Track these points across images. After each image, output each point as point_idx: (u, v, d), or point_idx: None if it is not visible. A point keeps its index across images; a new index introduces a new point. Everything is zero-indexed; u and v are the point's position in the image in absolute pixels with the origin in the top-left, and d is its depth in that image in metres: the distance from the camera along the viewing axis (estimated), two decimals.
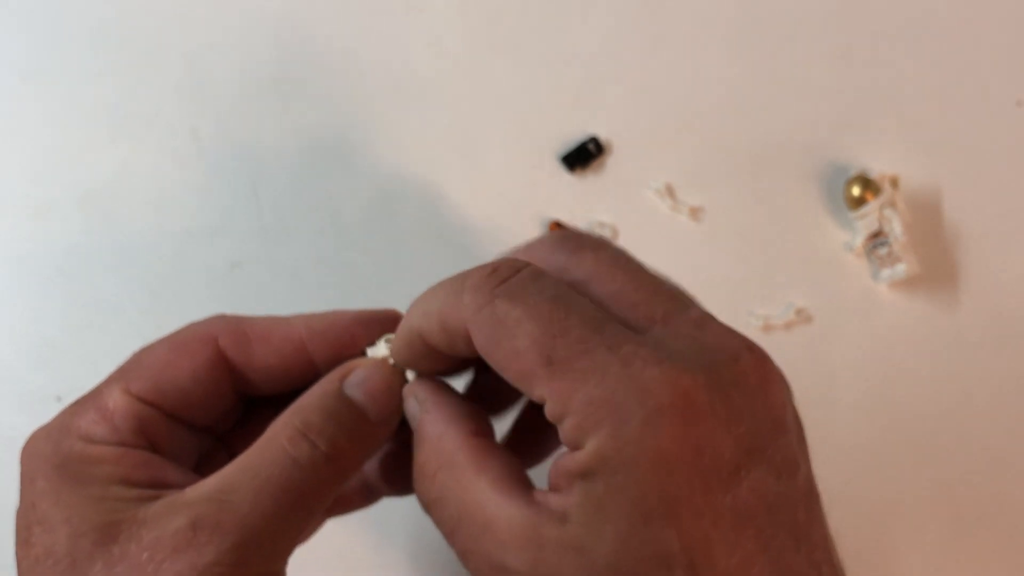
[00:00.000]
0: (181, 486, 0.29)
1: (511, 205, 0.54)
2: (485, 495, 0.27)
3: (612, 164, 0.55)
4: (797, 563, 0.25)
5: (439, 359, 0.30)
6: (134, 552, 0.27)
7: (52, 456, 0.29)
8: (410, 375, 0.32)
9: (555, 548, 0.25)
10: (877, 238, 0.52)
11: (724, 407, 0.25)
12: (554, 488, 0.26)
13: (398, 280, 0.53)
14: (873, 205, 0.52)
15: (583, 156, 0.54)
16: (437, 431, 0.29)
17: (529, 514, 0.26)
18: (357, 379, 0.31)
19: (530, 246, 0.31)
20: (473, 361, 0.31)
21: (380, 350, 0.33)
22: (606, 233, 0.53)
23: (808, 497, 0.26)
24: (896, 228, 0.51)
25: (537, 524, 0.25)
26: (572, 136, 0.55)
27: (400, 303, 0.55)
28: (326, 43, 0.56)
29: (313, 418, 0.30)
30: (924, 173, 0.54)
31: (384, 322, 0.33)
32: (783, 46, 0.56)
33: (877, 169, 0.54)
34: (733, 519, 0.24)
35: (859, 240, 0.52)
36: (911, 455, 0.51)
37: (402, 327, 0.31)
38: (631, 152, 0.55)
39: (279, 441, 0.29)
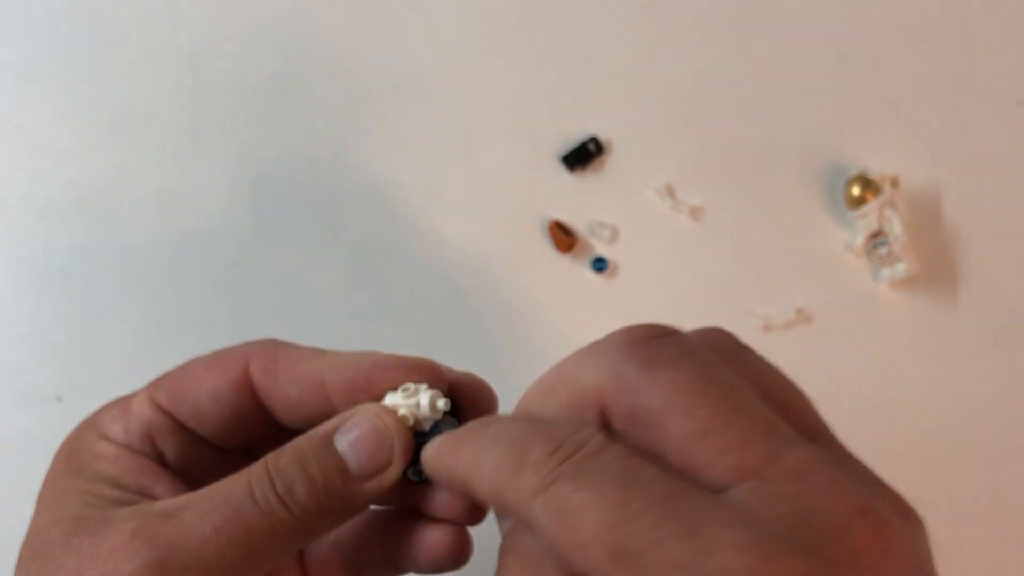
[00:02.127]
0: (164, 498, 0.29)
1: (511, 205, 0.54)
2: None
3: (612, 164, 0.54)
4: None
5: None
6: (87, 548, 0.27)
7: (71, 442, 0.31)
8: (440, 402, 0.29)
9: None
10: (877, 238, 0.52)
11: None
12: None
13: (398, 280, 0.53)
14: (873, 205, 0.52)
15: (583, 156, 0.54)
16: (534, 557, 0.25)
17: None
18: (349, 426, 0.29)
19: (596, 353, 0.26)
20: None
21: (395, 399, 0.29)
22: (606, 233, 0.53)
23: None
24: (896, 228, 0.51)
25: None
26: (572, 136, 0.55)
27: (400, 302, 0.55)
28: (326, 43, 0.56)
29: (285, 460, 0.28)
30: (924, 173, 0.54)
31: (411, 369, 0.30)
32: (783, 46, 0.56)
33: (877, 169, 0.53)
34: None
35: (859, 240, 0.52)
36: (910, 454, 0.51)
37: (452, 448, 0.27)
38: (631, 152, 0.55)
39: (248, 474, 0.28)
